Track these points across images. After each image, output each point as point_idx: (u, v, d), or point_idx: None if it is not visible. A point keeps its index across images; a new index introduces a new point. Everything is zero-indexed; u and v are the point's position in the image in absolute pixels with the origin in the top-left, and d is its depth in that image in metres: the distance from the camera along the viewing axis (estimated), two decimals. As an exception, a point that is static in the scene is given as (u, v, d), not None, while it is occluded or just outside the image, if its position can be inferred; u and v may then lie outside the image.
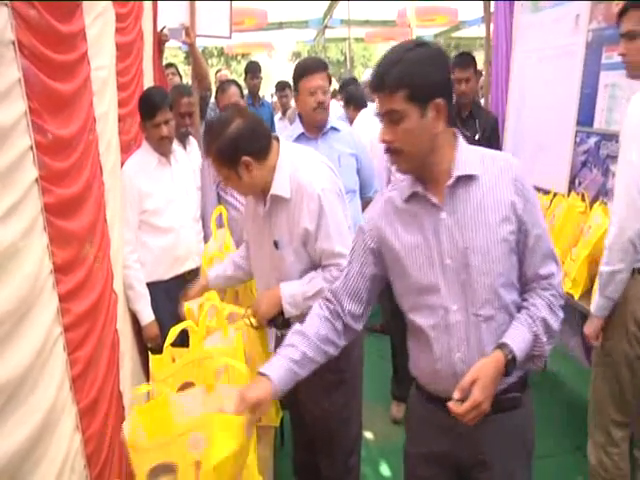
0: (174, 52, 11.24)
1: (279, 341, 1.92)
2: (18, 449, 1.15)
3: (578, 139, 2.93)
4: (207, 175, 2.74)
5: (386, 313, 3.26)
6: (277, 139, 1.80)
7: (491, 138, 3.32)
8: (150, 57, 3.08)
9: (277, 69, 19.15)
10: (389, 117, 1.23)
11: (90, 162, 1.81)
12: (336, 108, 5.00)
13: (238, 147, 1.66)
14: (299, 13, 9.03)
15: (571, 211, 2.69)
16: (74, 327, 1.54)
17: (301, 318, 1.54)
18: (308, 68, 2.50)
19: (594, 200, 2.66)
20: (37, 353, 1.28)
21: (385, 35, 10.48)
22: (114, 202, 2.13)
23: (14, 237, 1.21)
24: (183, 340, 1.78)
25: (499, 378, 1.24)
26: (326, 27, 9.66)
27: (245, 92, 4.61)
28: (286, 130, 3.24)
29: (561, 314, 1.35)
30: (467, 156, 1.29)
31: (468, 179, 1.27)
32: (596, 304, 1.92)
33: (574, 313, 2.72)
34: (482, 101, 4.19)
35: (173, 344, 1.68)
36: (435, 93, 1.20)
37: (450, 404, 1.20)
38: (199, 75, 3.49)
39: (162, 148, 2.45)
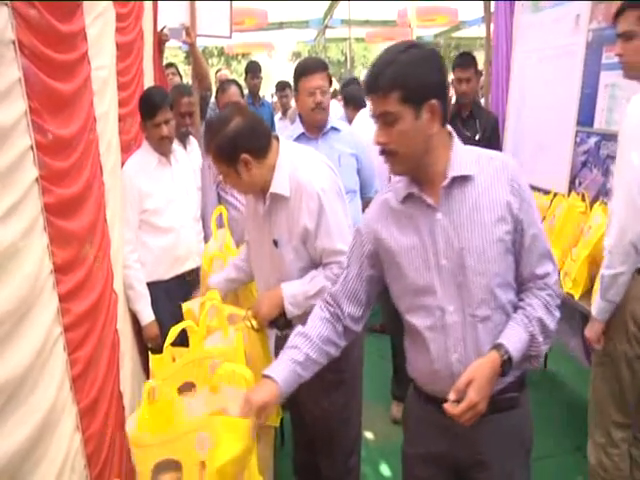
0: (174, 52, 11.23)
1: (279, 341, 1.92)
2: (18, 449, 1.15)
3: (578, 139, 2.93)
4: (207, 175, 2.74)
5: (386, 313, 3.26)
6: (277, 138, 1.80)
7: (491, 138, 3.32)
8: (150, 57, 3.08)
9: (277, 69, 19.15)
10: (383, 119, 1.23)
11: (90, 162, 1.81)
12: (337, 108, 4.99)
13: (237, 145, 1.67)
14: (299, 13, 9.03)
15: (571, 211, 2.69)
16: (74, 327, 1.54)
17: (303, 318, 1.54)
18: (308, 68, 2.50)
19: (594, 200, 2.66)
20: (37, 353, 1.28)
21: (385, 35, 10.48)
22: (114, 202, 2.13)
23: (14, 237, 1.21)
24: (183, 340, 1.78)
25: (495, 379, 1.24)
26: (326, 27, 9.67)
27: (245, 92, 4.61)
28: (287, 130, 3.24)
29: (557, 314, 1.35)
30: (462, 156, 1.28)
31: (463, 179, 1.27)
32: (597, 307, 1.91)
33: (574, 313, 2.72)
34: (482, 101, 4.20)
35: (173, 344, 1.68)
36: (429, 94, 1.20)
37: (446, 405, 1.20)
38: (199, 75, 3.48)
39: (162, 148, 2.45)
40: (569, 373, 3.38)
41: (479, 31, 8.05)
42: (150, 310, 2.40)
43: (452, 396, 1.20)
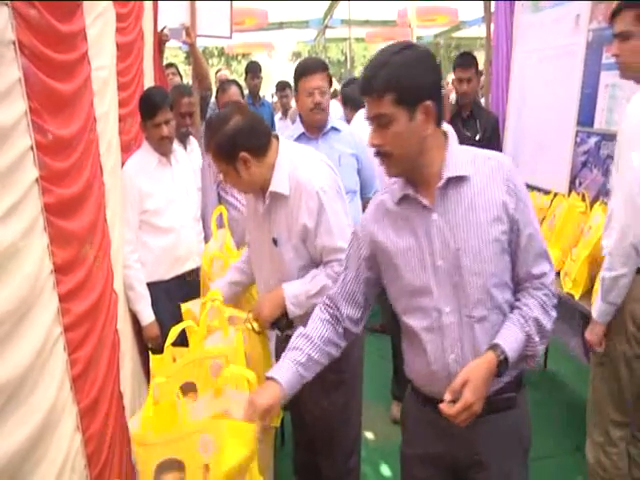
0: (174, 52, 11.24)
1: (280, 343, 1.92)
2: (18, 449, 1.15)
3: (578, 139, 2.93)
4: (208, 175, 2.74)
5: (386, 313, 3.26)
6: (277, 138, 1.80)
7: (492, 138, 3.33)
8: (150, 57, 3.08)
9: (277, 69, 19.14)
10: (378, 121, 1.23)
11: (90, 162, 1.81)
12: (337, 108, 4.99)
13: (236, 143, 1.67)
14: (299, 13, 9.02)
15: (571, 211, 2.69)
16: (74, 327, 1.54)
17: (304, 318, 1.54)
18: (307, 68, 2.50)
19: (594, 200, 2.66)
20: (37, 353, 1.28)
21: (386, 35, 10.46)
22: (114, 202, 2.13)
23: (14, 237, 1.21)
24: (183, 340, 1.78)
25: (491, 379, 1.24)
26: (326, 27, 9.65)
27: (245, 92, 4.61)
28: (287, 130, 3.24)
29: (554, 314, 1.34)
30: (457, 157, 1.28)
31: (459, 180, 1.27)
32: (598, 310, 1.90)
33: (574, 313, 2.72)
34: (482, 101, 4.20)
35: (173, 344, 1.68)
36: (423, 95, 1.20)
37: (442, 405, 1.20)
38: (199, 75, 3.49)
39: (162, 148, 2.45)
40: (569, 373, 3.38)
41: (479, 31, 8.05)
42: (150, 310, 2.40)
43: (448, 396, 1.20)
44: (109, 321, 1.91)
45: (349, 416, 2.00)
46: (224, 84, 3.40)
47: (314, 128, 2.59)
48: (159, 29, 3.24)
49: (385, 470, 2.67)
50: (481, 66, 3.85)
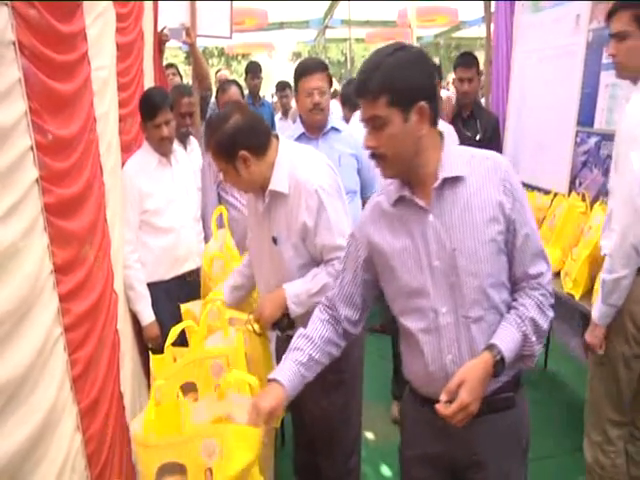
0: (174, 52, 11.23)
1: (280, 342, 1.92)
2: (18, 449, 1.15)
3: (579, 139, 2.93)
4: (208, 175, 2.74)
5: (386, 313, 3.26)
6: (277, 137, 1.81)
7: (492, 139, 3.32)
8: (151, 57, 3.08)
9: (277, 69, 19.12)
10: (372, 123, 1.23)
11: (90, 162, 1.81)
12: (337, 108, 4.99)
13: (236, 141, 1.68)
14: (300, 13, 9.02)
15: (572, 211, 2.69)
16: (74, 327, 1.54)
17: (305, 318, 1.54)
18: (307, 68, 2.50)
19: (595, 200, 2.66)
20: (37, 353, 1.28)
21: (386, 35, 10.45)
22: (114, 202, 2.13)
23: (14, 237, 1.21)
24: (183, 340, 1.78)
25: (487, 379, 1.24)
26: (327, 27, 9.65)
27: (245, 92, 4.61)
28: (287, 130, 3.24)
29: (551, 313, 1.34)
30: (453, 157, 1.28)
31: (455, 180, 1.27)
32: (599, 312, 1.89)
33: (575, 313, 2.72)
34: (482, 101, 4.20)
35: (173, 344, 1.68)
36: (417, 97, 1.20)
37: (438, 406, 1.20)
38: (200, 75, 3.49)
39: (162, 149, 2.45)
40: (569, 373, 3.38)
41: (479, 31, 8.05)
42: (150, 310, 2.40)
43: (444, 397, 1.20)
44: (109, 321, 1.91)
45: (349, 416, 2.00)
46: (224, 84, 3.41)
47: (314, 128, 2.59)
48: (159, 29, 3.24)
49: (385, 470, 2.67)
50: (481, 66, 3.85)
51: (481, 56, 4.18)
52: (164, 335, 1.78)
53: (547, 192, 3.12)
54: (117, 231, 2.16)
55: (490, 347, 1.25)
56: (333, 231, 1.73)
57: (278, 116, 5.83)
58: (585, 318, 2.10)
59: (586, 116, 2.86)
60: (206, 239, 2.59)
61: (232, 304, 1.98)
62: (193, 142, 2.83)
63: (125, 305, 2.28)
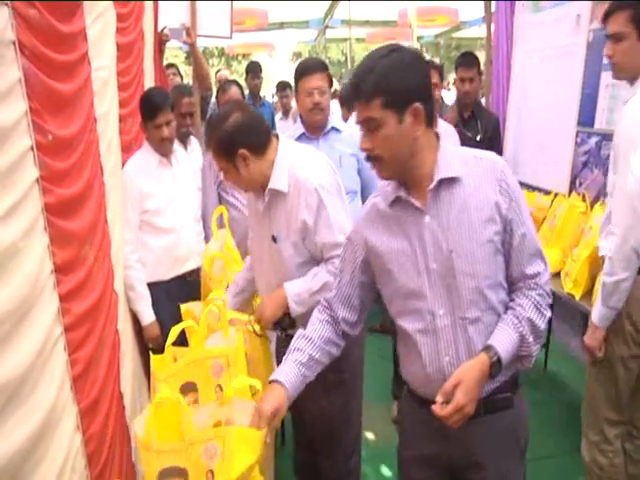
0: (175, 52, 11.24)
1: (280, 341, 1.92)
2: (19, 449, 1.15)
3: (579, 139, 2.93)
4: (208, 175, 2.74)
5: (386, 313, 3.26)
6: (277, 136, 1.81)
7: (493, 139, 3.32)
8: (151, 57, 3.08)
9: (278, 69, 19.12)
10: (367, 125, 1.23)
11: (91, 162, 1.81)
12: (337, 109, 4.99)
13: (235, 140, 1.68)
14: (300, 13, 9.02)
15: (572, 211, 2.69)
16: (75, 327, 1.54)
17: (306, 318, 1.55)
18: (307, 68, 2.50)
19: (595, 200, 2.66)
20: (38, 353, 1.28)
21: (386, 35, 10.45)
22: (115, 202, 2.13)
23: (15, 237, 1.21)
24: (183, 340, 1.78)
25: (484, 381, 1.24)
26: (327, 27, 9.65)
27: (246, 92, 4.61)
28: (288, 130, 3.24)
29: (548, 313, 1.33)
30: (449, 158, 1.28)
31: (451, 181, 1.26)
32: (599, 314, 1.88)
33: (575, 314, 2.72)
34: (483, 101, 4.20)
35: (174, 344, 1.68)
36: (412, 98, 1.20)
37: (434, 407, 1.20)
38: (200, 75, 3.49)
39: (163, 149, 2.45)
40: (569, 373, 3.38)
41: (480, 31, 8.05)
42: (151, 310, 2.40)
43: (440, 398, 1.20)
44: (109, 321, 1.91)
45: (349, 416, 1.99)
46: (224, 84, 3.41)
47: (314, 128, 2.59)
48: (159, 29, 3.24)
49: (385, 470, 2.67)
50: (481, 66, 3.85)
51: (481, 56, 4.18)
52: (164, 335, 1.78)
53: (547, 192, 3.12)
54: (117, 231, 2.16)
55: (487, 348, 1.25)
56: (333, 229, 1.74)
57: (278, 116, 5.83)
58: (585, 318, 2.10)
59: (586, 116, 2.86)
60: (206, 239, 2.59)
61: (234, 308, 1.98)
62: (193, 142, 2.83)
63: (125, 305, 2.28)
